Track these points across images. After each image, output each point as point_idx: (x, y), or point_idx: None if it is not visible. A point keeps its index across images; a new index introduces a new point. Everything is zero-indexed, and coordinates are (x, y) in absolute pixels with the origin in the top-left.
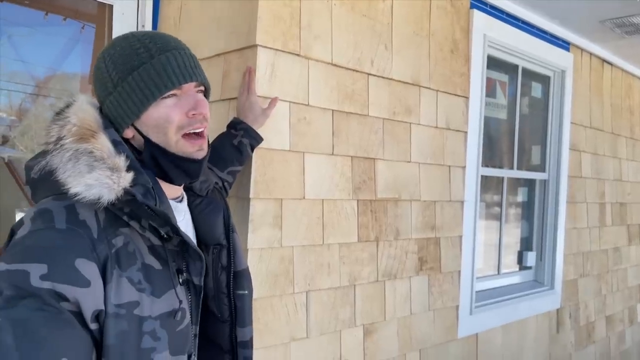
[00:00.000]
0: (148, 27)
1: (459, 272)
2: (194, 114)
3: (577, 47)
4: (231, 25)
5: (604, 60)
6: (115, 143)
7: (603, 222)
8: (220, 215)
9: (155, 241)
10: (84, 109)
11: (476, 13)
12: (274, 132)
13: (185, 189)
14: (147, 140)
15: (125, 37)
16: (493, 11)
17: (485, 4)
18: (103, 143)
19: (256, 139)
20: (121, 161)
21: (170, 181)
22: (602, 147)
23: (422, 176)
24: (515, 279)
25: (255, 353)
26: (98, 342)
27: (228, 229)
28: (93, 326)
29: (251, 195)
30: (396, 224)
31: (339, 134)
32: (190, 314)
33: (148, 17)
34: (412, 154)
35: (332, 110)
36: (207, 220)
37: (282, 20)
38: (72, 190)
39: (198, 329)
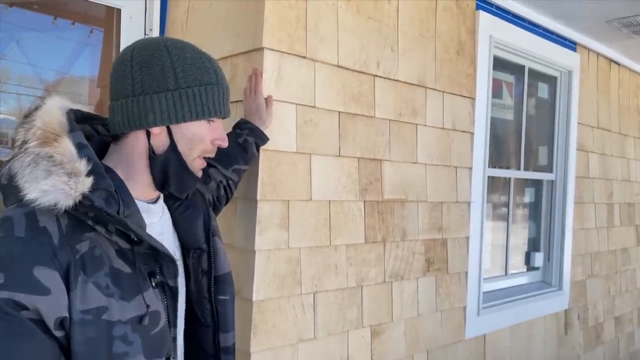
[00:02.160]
0: (155, 30)
1: (466, 273)
2: (219, 144)
3: (584, 47)
4: (238, 28)
5: (611, 60)
6: (79, 146)
7: (611, 222)
8: (199, 218)
9: (124, 244)
10: (50, 112)
11: (482, 14)
12: (280, 133)
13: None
14: (173, 144)
15: (195, 49)
16: (499, 12)
17: (491, 4)
18: (65, 147)
19: (262, 138)
20: (81, 165)
21: (163, 188)
22: (609, 147)
23: (429, 177)
24: (523, 280)
25: (263, 354)
26: (65, 348)
27: (208, 233)
28: (58, 333)
29: (258, 197)
30: (403, 225)
31: (345, 136)
32: (168, 317)
33: (156, 20)
34: (419, 155)
35: (339, 112)
36: (186, 224)
37: (288, 23)
38: (28, 197)
39: (179, 331)
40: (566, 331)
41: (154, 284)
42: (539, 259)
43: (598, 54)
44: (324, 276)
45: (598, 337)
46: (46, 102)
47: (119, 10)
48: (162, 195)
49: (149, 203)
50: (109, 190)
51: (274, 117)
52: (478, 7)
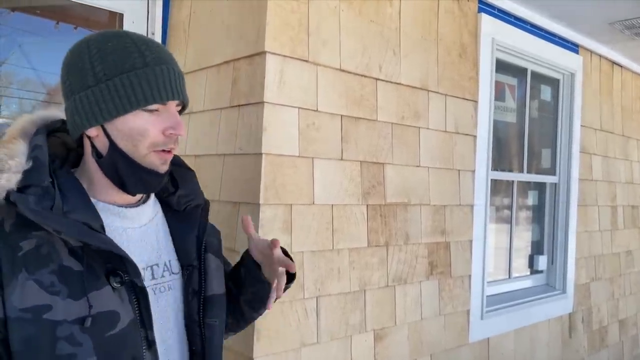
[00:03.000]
0: (158, 34)
1: (470, 276)
2: (171, 133)
3: (586, 49)
4: (240, 33)
5: (613, 62)
6: (34, 148)
7: (615, 225)
8: (192, 233)
9: (75, 242)
10: (17, 122)
11: (484, 17)
12: (283, 138)
13: (161, 201)
14: (112, 144)
15: (118, 35)
16: (501, 15)
17: (493, 7)
18: (15, 147)
19: (251, 272)
20: (13, 163)
21: (125, 189)
22: (612, 149)
23: (432, 180)
24: (527, 283)
25: (266, 359)
26: (6, 349)
27: (200, 249)
28: None
29: (261, 201)
30: (406, 229)
31: (347, 139)
32: (141, 318)
33: (158, 24)
34: (421, 158)
35: (341, 115)
36: (178, 237)
37: (290, 27)
38: None
39: (157, 335)
40: (570, 334)
41: (114, 283)
42: (542, 262)
43: (600, 56)
44: (326, 280)
45: (602, 341)
46: (23, 115)
47: (121, 15)
48: (150, 200)
49: (124, 207)
50: (42, 186)
51: (277, 122)
52: (480, 10)
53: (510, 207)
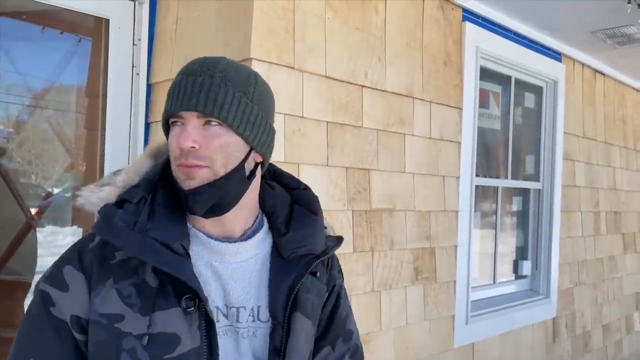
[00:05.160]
0: (144, 40)
1: (455, 281)
2: (174, 146)
3: (569, 57)
4: (226, 39)
5: (596, 71)
6: (155, 165)
7: (598, 230)
8: (286, 280)
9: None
10: (155, 140)
11: (468, 25)
12: None
13: (274, 242)
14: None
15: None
16: (485, 23)
17: (477, 16)
18: (136, 164)
19: None
20: (121, 178)
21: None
22: (595, 156)
23: (417, 186)
24: (511, 288)
25: None
26: (85, 352)
27: (287, 303)
28: (78, 335)
29: None
30: (391, 234)
31: (333, 145)
32: (208, 348)
33: (144, 31)
34: (407, 164)
35: (327, 121)
36: (272, 284)
37: (276, 34)
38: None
39: None
40: (554, 339)
41: (184, 305)
42: (526, 267)
43: (583, 64)
44: None
45: (586, 345)
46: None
47: (107, 21)
48: (255, 237)
49: (216, 239)
50: (134, 202)
51: None
52: (464, 19)
53: (494, 213)
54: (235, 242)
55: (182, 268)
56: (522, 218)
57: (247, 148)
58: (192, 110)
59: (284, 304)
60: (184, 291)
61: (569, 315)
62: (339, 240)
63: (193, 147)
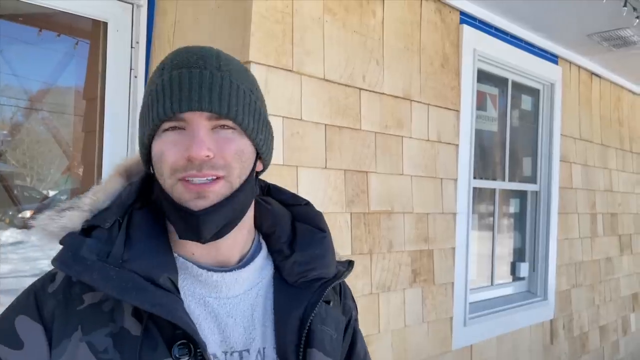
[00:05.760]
0: (142, 43)
1: (453, 283)
2: (187, 156)
3: (566, 60)
4: (224, 43)
5: (592, 73)
6: (129, 185)
7: (594, 232)
8: (294, 315)
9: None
10: (127, 159)
11: (466, 28)
12: None
13: (275, 266)
14: (153, 174)
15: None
16: (482, 26)
17: (475, 19)
18: (108, 185)
19: None
20: (88, 201)
21: (179, 234)
22: (592, 158)
23: (415, 189)
24: (509, 290)
25: None
26: None
27: (300, 339)
28: None
29: None
30: (389, 237)
31: (331, 148)
32: None
33: (142, 33)
34: (404, 166)
35: (325, 124)
36: (280, 317)
37: (274, 37)
38: None
39: None
40: (552, 341)
41: (179, 355)
42: (524, 269)
43: (579, 67)
44: None
45: (583, 347)
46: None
47: (105, 23)
48: (253, 263)
49: (209, 269)
50: (106, 227)
51: None
52: (462, 22)
53: (492, 215)
54: (231, 270)
55: (175, 308)
56: (519, 220)
57: (255, 154)
58: (203, 110)
59: (295, 340)
60: (175, 337)
61: (566, 316)
62: (350, 264)
63: (208, 155)
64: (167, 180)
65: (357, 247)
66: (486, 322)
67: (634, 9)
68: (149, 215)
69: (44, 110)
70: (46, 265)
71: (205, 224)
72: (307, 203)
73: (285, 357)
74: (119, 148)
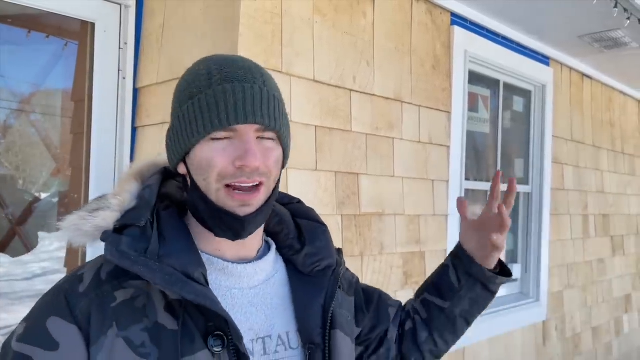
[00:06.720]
0: (131, 44)
1: None
2: (240, 165)
3: (557, 61)
4: (213, 43)
5: (583, 75)
6: (145, 187)
7: (587, 233)
8: (317, 301)
9: (173, 295)
10: (136, 163)
11: (457, 29)
12: None
13: (287, 261)
14: (192, 180)
15: (201, 60)
16: (473, 27)
17: (466, 20)
18: (127, 186)
19: (471, 271)
20: (116, 201)
21: (215, 234)
22: (584, 159)
23: (406, 190)
24: (501, 292)
25: None
26: None
27: (325, 323)
28: None
29: None
30: (381, 239)
31: (322, 150)
32: None
33: (131, 34)
34: (396, 168)
35: (315, 126)
36: (300, 305)
37: (263, 38)
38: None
39: None
40: (544, 342)
41: (214, 347)
42: (516, 270)
43: (571, 68)
44: None
45: (576, 348)
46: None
47: (93, 24)
48: (269, 255)
49: (232, 262)
50: (139, 226)
51: None
52: (453, 23)
53: None
54: (251, 262)
55: (216, 301)
56: (511, 221)
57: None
58: (256, 122)
59: (320, 324)
60: (208, 329)
61: (558, 318)
62: (339, 251)
63: (258, 167)
64: (212, 184)
65: (348, 249)
66: (478, 324)
67: (625, 10)
68: (175, 216)
69: (34, 112)
70: (37, 269)
71: (249, 226)
72: (299, 201)
73: (311, 339)
74: (107, 150)
